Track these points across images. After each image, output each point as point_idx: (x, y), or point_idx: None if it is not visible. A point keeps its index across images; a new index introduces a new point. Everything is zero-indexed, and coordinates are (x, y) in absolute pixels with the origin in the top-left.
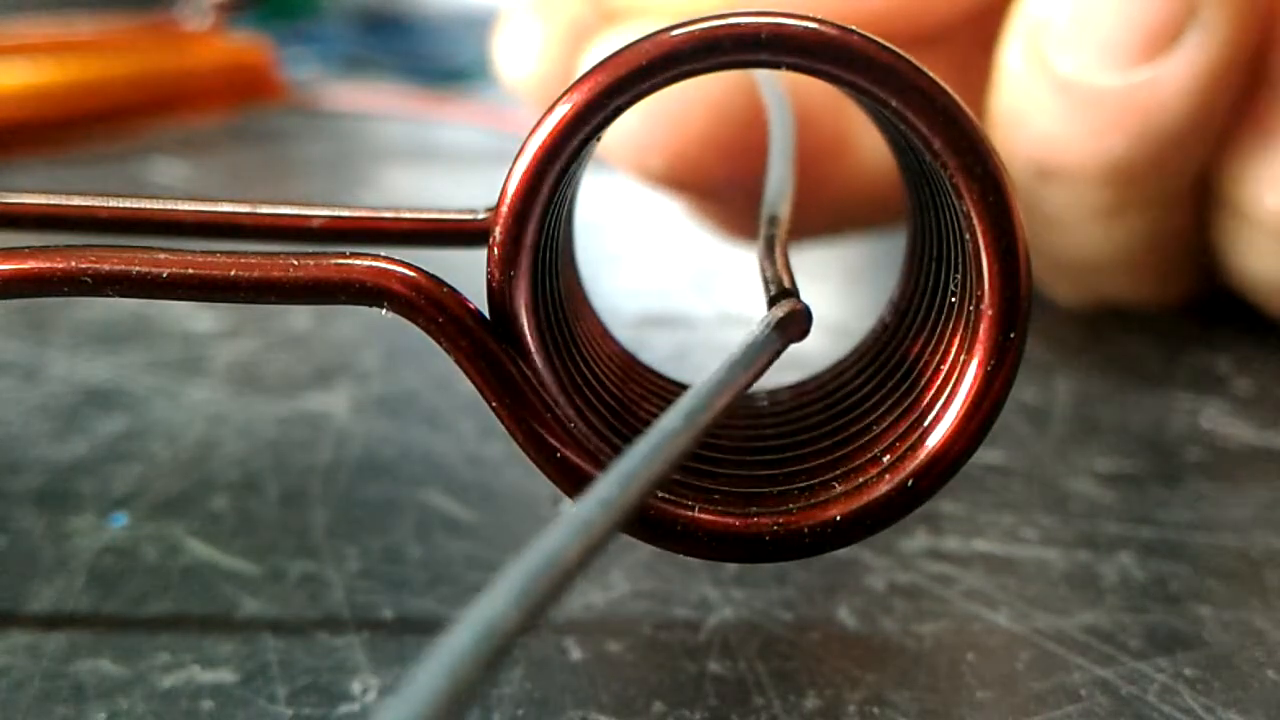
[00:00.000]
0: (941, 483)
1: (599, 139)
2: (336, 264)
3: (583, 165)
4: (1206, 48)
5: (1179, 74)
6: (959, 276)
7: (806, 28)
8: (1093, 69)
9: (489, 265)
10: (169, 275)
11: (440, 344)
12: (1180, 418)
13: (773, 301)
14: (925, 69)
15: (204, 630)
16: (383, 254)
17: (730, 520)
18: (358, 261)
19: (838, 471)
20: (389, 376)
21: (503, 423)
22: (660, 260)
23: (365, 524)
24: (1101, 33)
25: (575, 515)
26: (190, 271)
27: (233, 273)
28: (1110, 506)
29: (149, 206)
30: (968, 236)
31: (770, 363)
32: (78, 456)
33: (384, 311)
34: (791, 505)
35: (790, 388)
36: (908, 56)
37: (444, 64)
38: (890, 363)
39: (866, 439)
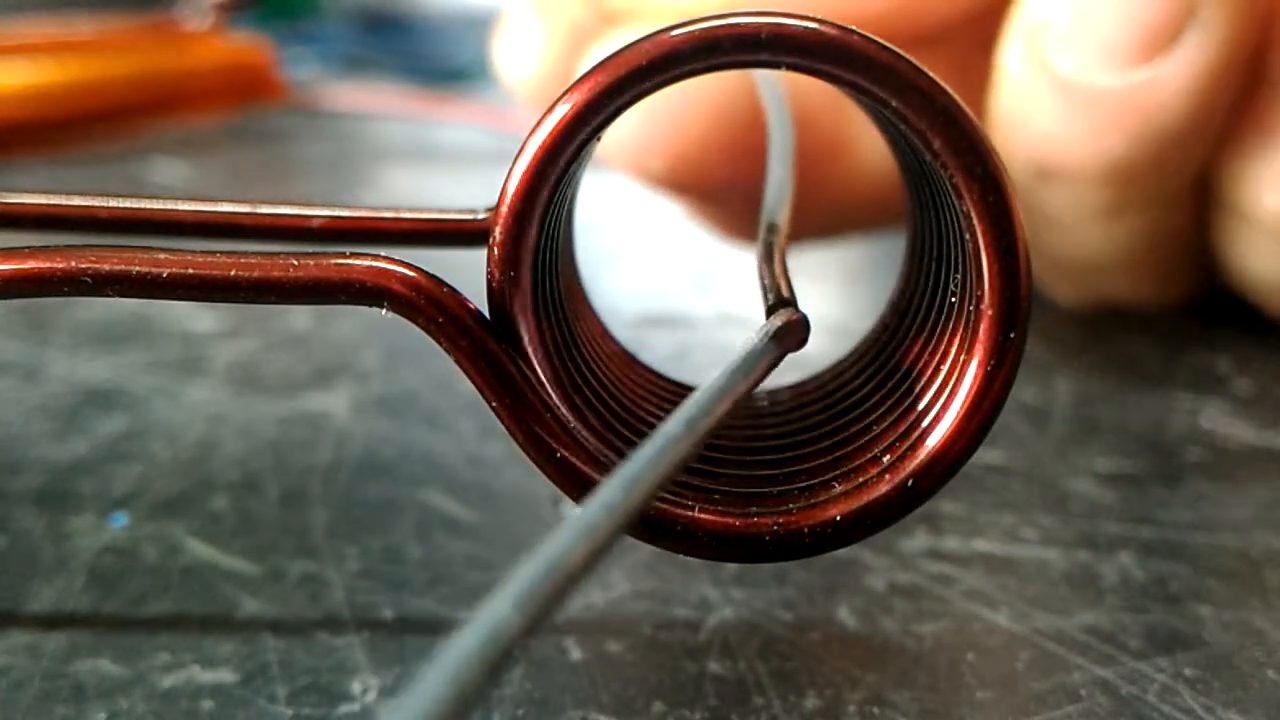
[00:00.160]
0: (941, 483)
1: (599, 139)
2: (336, 264)
3: (583, 165)
4: (1206, 48)
5: (1178, 74)
6: (959, 276)
7: (806, 28)
8: (1092, 69)
9: (489, 265)
10: (169, 275)
11: (440, 344)
12: (1180, 418)
13: (771, 310)
14: (925, 69)
15: (204, 630)
16: (383, 254)
17: (730, 520)
18: (358, 261)
19: (838, 471)
20: (389, 376)
21: (503, 423)
22: (660, 260)
23: (365, 524)
24: (1101, 33)
25: (576, 522)
26: (190, 271)
27: (233, 273)
28: (1110, 506)
29: (149, 206)
30: (968, 236)
31: (768, 372)
32: (78, 456)
33: (384, 311)
34: (791, 505)
35: (790, 388)
36: (908, 56)
37: (444, 64)
38: (890, 363)
39: (866, 439)
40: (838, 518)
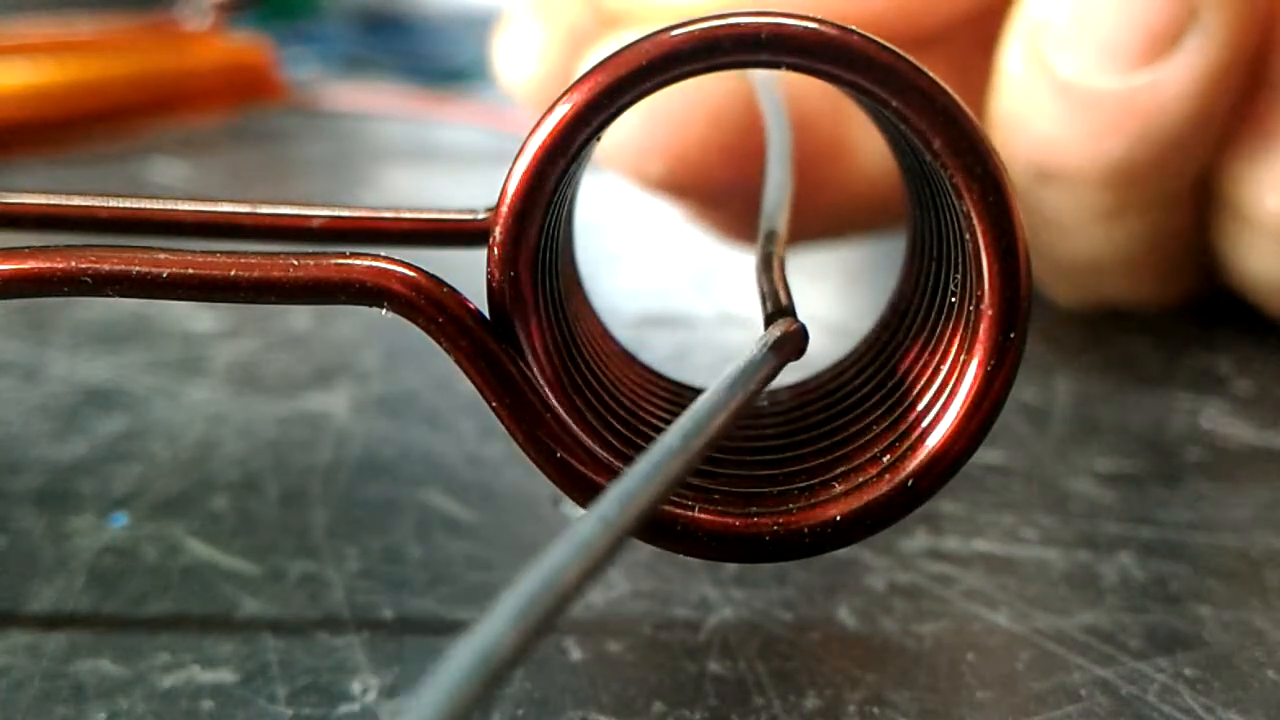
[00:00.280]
0: (941, 483)
1: (599, 139)
2: (336, 264)
3: (583, 165)
4: (1206, 50)
5: (1179, 77)
6: (959, 276)
7: (806, 28)
8: (1093, 72)
9: (489, 265)
10: (169, 275)
11: (440, 344)
12: (1180, 418)
13: (769, 320)
14: (925, 69)
15: (204, 630)
16: (383, 254)
17: (730, 520)
18: (358, 261)
19: (838, 471)
20: (389, 376)
21: (503, 423)
22: (660, 260)
23: (365, 524)
24: (1101, 35)
25: (570, 540)
26: (190, 271)
27: (233, 273)
28: (1110, 506)
29: (149, 206)
30: (968, 236)
31: (767, 383)
32: (78, 456)
33: (384, 311)
34: (791, 505)
35: (790, 388)
36: (908, 56)
37: (444, 64)
38: (890, 362)
39: (866, 439)
40: (838, 518)
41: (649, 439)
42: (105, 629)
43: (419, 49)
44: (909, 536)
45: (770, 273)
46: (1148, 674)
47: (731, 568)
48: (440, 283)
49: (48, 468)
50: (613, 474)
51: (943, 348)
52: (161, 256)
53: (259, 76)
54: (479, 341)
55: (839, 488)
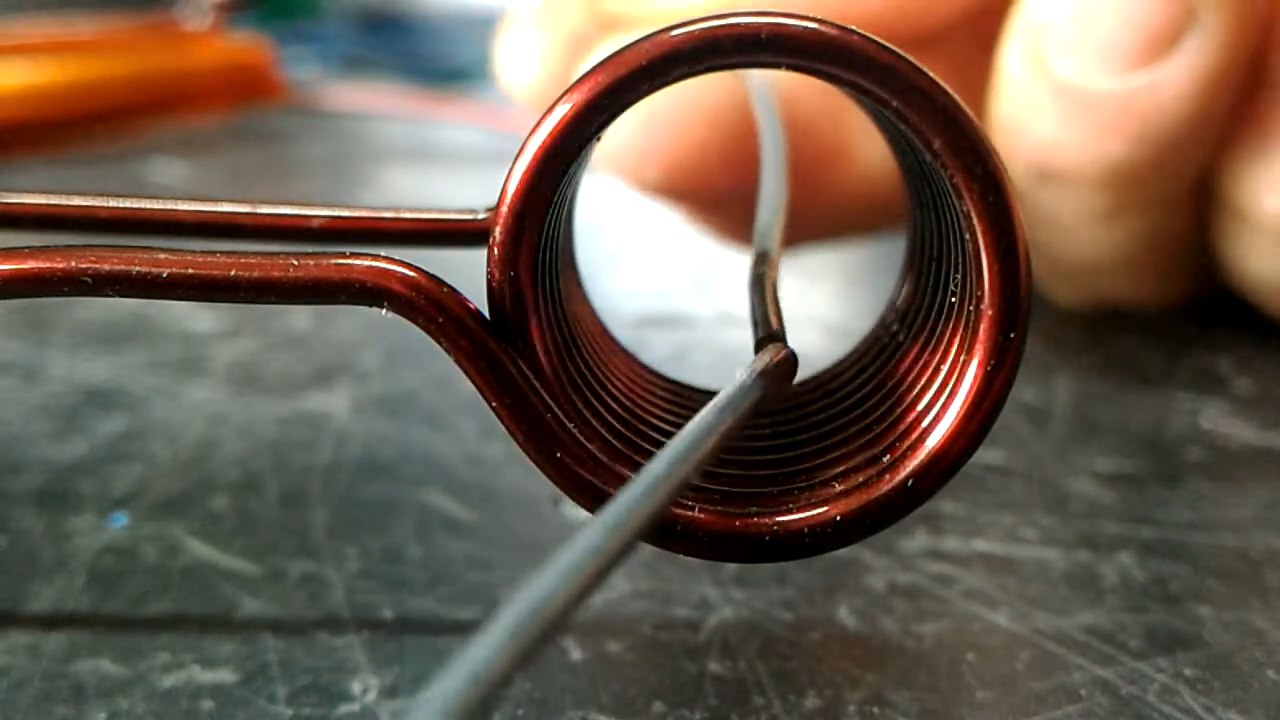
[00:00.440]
0: (941, 483)
1: (599, 139)
2: (336, 264)
3: (583, 165)
4: (1205, 51)
5: (1178, 77)
6: (959, 276)
7: (806, 28)
8: (1092, 73)
9: (489, 265)
10: (169, 275)
11: (440, 344)
12: (1180, 418)
13: (759, 345)
14: (925, 69)
15: (204, 630)
16: (383, 254)
17: (730, 520)
18: (358, 261)
19: (838, 471)
20: (389, 376)
21: (503, 423)
22: (660, 260)
23: (365, 524)
24: (1101, 36)
25: (560, 563)
26: (190, 271)
27: (233, 273)
28: (1110, 506)
29: (149, 206)
30: (968, 236)
31: (754, 410)
32: (78, 456)
33: (384, 311)
34: (791, 505)
35: (790, 387)
36: (908, 56)
37: (444, 64)
38: (890, 362)
39: (866, 439)
40: (838, 518)
41: (649, 439)
42: (105, 629)
43: (419, 49)
44: (909, 536)
45: (762, 295)
46: (1148, 674)
47: (731, 568)
48: (440, 283)
49: (48, 468)
50: (612, 474)
51: (943, 348)
52: (161, 256)
53: (259, 76)
54: (479, 341)
55: (839, 488)
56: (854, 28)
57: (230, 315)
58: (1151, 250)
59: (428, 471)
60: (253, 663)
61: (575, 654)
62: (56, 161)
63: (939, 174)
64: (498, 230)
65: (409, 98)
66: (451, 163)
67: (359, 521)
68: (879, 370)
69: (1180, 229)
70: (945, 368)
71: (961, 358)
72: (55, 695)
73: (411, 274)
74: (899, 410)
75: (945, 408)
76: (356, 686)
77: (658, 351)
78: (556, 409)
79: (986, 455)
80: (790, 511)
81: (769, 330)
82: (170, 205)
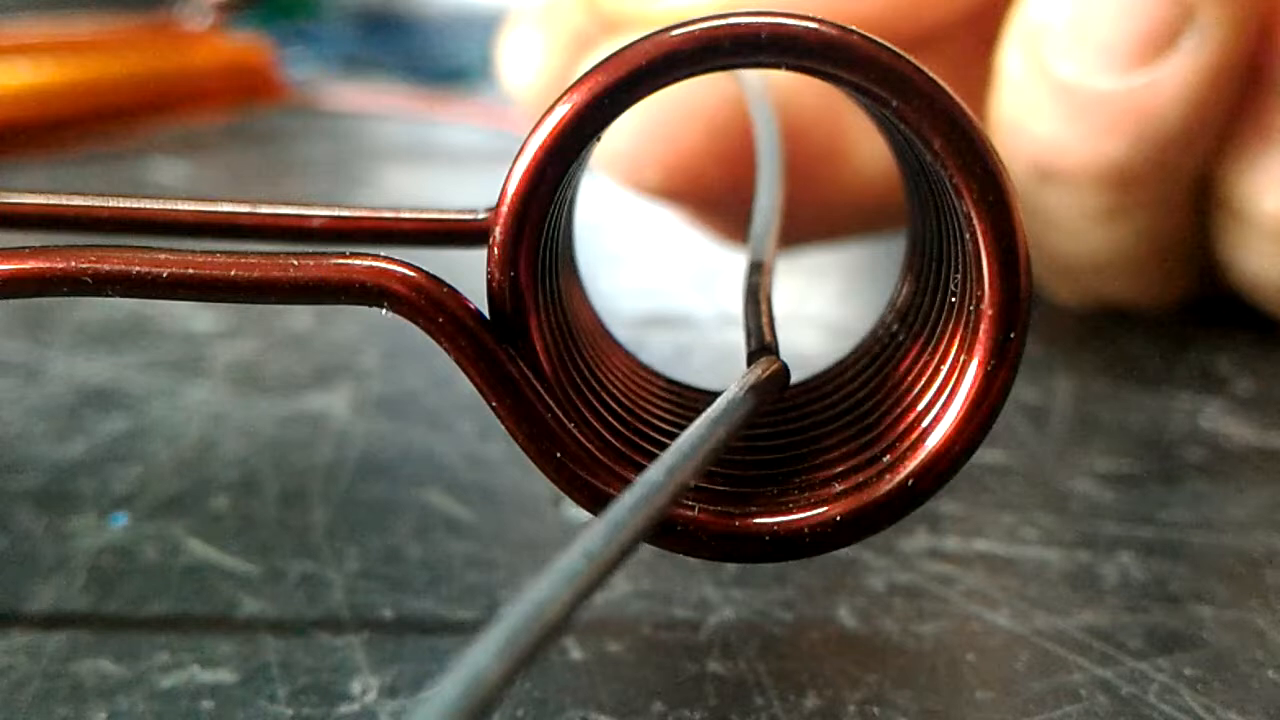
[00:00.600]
0: (941, 483)
1: (599, 139)
2: (336, 264)
3: (583, 166)
4: (1204, 51)
5: (1177, 77)
6: (959, 277)
7: (807, 28)
8: (1091, 72)
9: (489, 265)
10: (169, 275)
11: (440, 344)
12: (1180, 418)
13: (752, 357)
14: (925, 69)
15: (204, 630)
16: (383, 254)
17: (730, 520)
18: (358, 261)
19: (838, 471)
20: (389, 376)
21: (503, 423)
22: (660, 260)
23: (365, 524)
24: (1100, 36)
25: (558, 570)
26: (190, 271)
27: (233, 273)
28: (1110, 506)
29: (149, 206)
30: (968, 236)
31: (745, 423)
32: (78, 456)
33: (384, 311)
34: (791, 505)
35: (790, 388)
36: (908, 56)
37: (444, 64)
38: (890, 363)
39: (866, 439)
40: (838, 518)
41: (649, 439)
42: (105, 629)
43: (419, 49)
44: (909, 536)
45: (756, 306)
46: (1148, 674)
47: (731, 568)
48: (440, 283)
49: (48, 468)
50: (612, 474)
51: (943, 348)
52: (161, 256)
53: (259, 76)
54: (479, 341)
55: (839, 488)
56: (854, 28)
57: (230, 315)
58: (1151, 250)
59: (428, 471)
60: (253, 663)
61: (575, 654)
62: (56, 161)
63: (939, 174)
64: (498, 230)
65: (409, 98)
66: (451, 163)
67: (359, 521)
68: (879, 370)
69: (1180, 229)
70: (945, 368)
71: (961, 358)
72: (55, 695)
73: (412, 274)
74: (899, 410)
75: (945, 408)
76: (356, 686)
77: (658, 351)
78: (556, 409)
79: (986, 455)
80: (790, 511)
81: (761, 342)
82: (170, 205)
